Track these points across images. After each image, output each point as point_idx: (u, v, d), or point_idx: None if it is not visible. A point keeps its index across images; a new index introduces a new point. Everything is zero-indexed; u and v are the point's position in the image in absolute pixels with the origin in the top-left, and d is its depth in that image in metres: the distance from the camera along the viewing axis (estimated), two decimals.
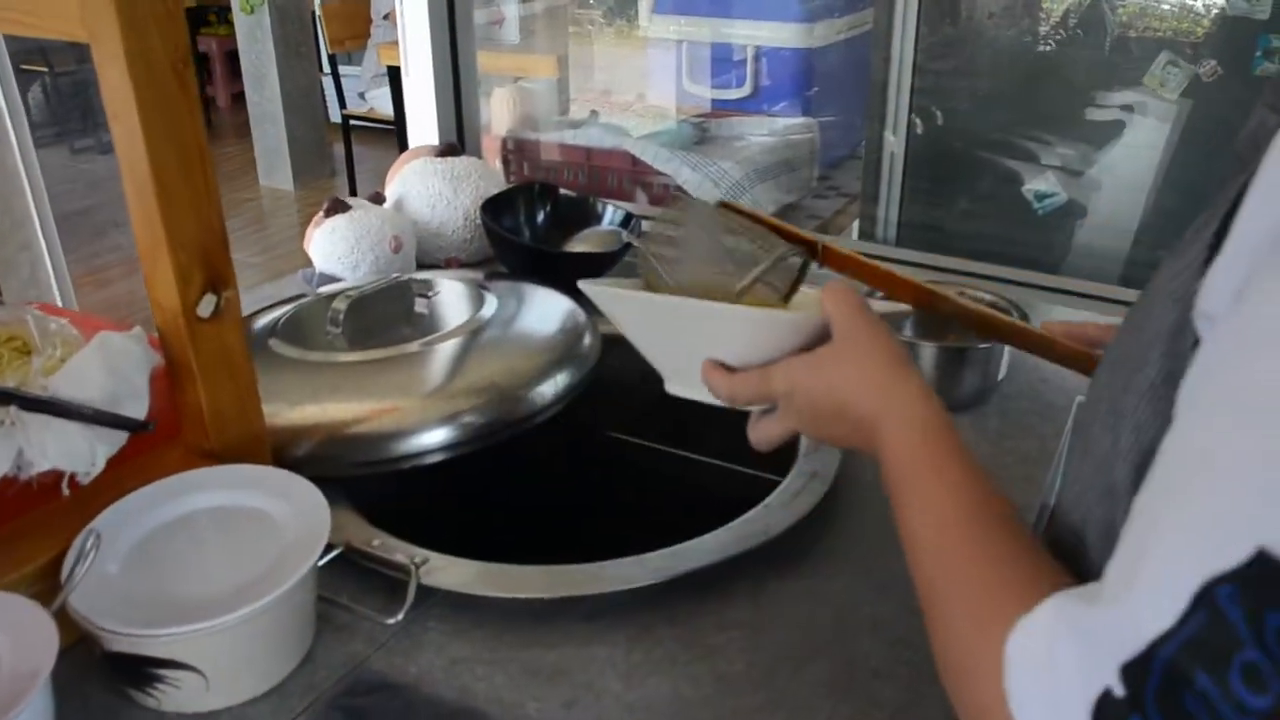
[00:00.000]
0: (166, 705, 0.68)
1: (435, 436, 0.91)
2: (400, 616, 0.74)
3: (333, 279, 1.34)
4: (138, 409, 0.77)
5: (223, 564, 0.72)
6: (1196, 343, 0.41)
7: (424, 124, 1.68)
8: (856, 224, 2.09)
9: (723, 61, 2.46)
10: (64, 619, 0.64)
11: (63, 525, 0.74)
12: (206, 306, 0.79)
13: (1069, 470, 0.56)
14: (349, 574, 0.80)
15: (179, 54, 0.73)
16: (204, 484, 0.79)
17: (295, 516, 0.75)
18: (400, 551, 0.80)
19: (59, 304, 2.41)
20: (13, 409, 0.72)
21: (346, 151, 4.80)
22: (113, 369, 0.76)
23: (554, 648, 0.74)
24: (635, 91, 2.50)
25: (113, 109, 0.73)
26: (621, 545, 0.83)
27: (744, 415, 0.72)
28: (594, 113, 1.73)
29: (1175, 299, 0.43)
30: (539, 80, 1.71)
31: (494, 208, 1.36)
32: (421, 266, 1.43)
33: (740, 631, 0.76)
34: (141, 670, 0.66)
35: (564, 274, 1.33)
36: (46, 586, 0.72)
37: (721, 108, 2.45)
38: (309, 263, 1.38)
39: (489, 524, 1.07)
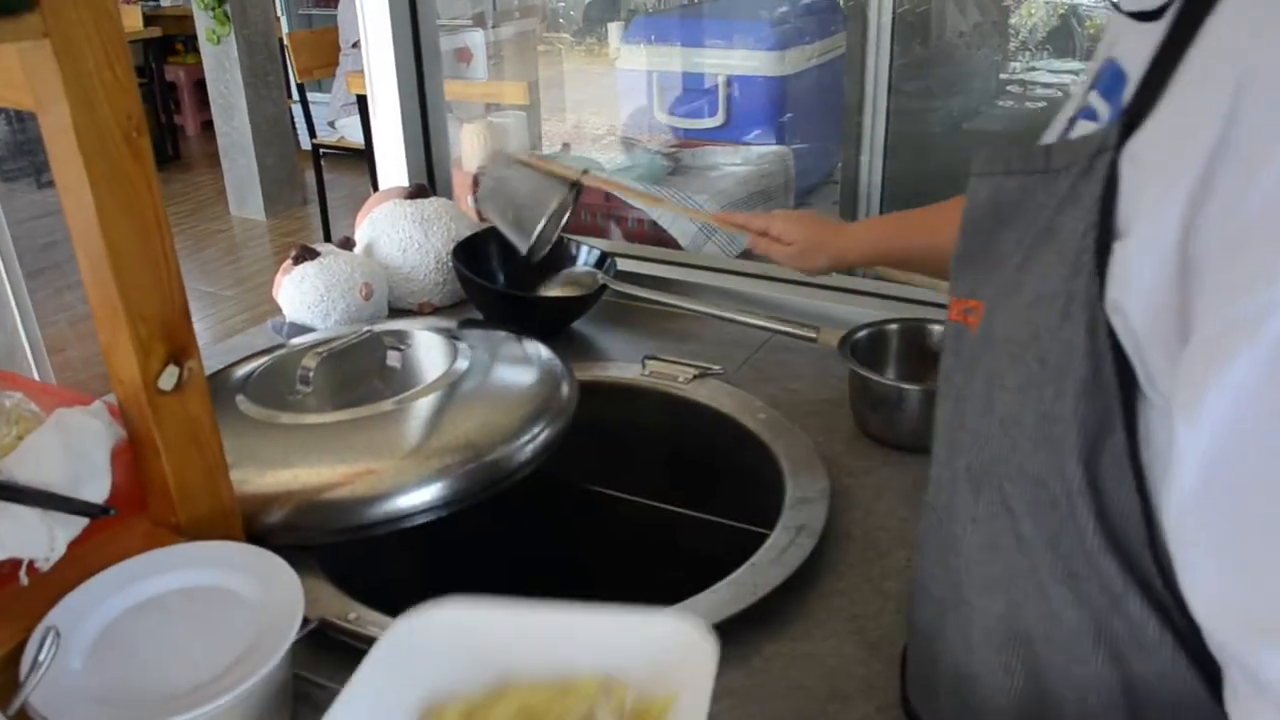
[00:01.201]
0: None
1: (413, 499, 0.88)
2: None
3: (304, 328, 1.31)
4: (99, 490, 0.74)
5: (193, 649, 0.69)
6: (1111, 334, 0.48)
7: (393, 158, 1.66)
8: None
9: (694, 91, 2.44)
10: None
11: (22, 613, 0.71)
12: (169, 379, 0.76)
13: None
14: (325, 647, 0.77)
15: (131, 123, 0.70)
16: (168, 564, 0.75)
17: (267, 593, 0.72)
18: (377, 625, 0.77)
19: (24, 342, 2.37)
20: None
21: (318, 180, 4.75)
22: (71, 448, 0.73)
23: None
24: (607, 124, 2.48)
25: (63, 182, 0.70)
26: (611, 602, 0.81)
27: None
28: (565, 145, 1.71)
29: (1066, 303, 0.49)
30: (509, 113, 1.69)
31: (466, 251, 1.34)
32: (394, 312, 1.41)
33: (732, 700, 0.73)
34: None
35: (539, 319, 1.32)
36: (5, 680, 0.69)
37: (694, 137, 2.43)
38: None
39: (468, 585, 1.04)
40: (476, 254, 1.36)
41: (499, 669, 0.62)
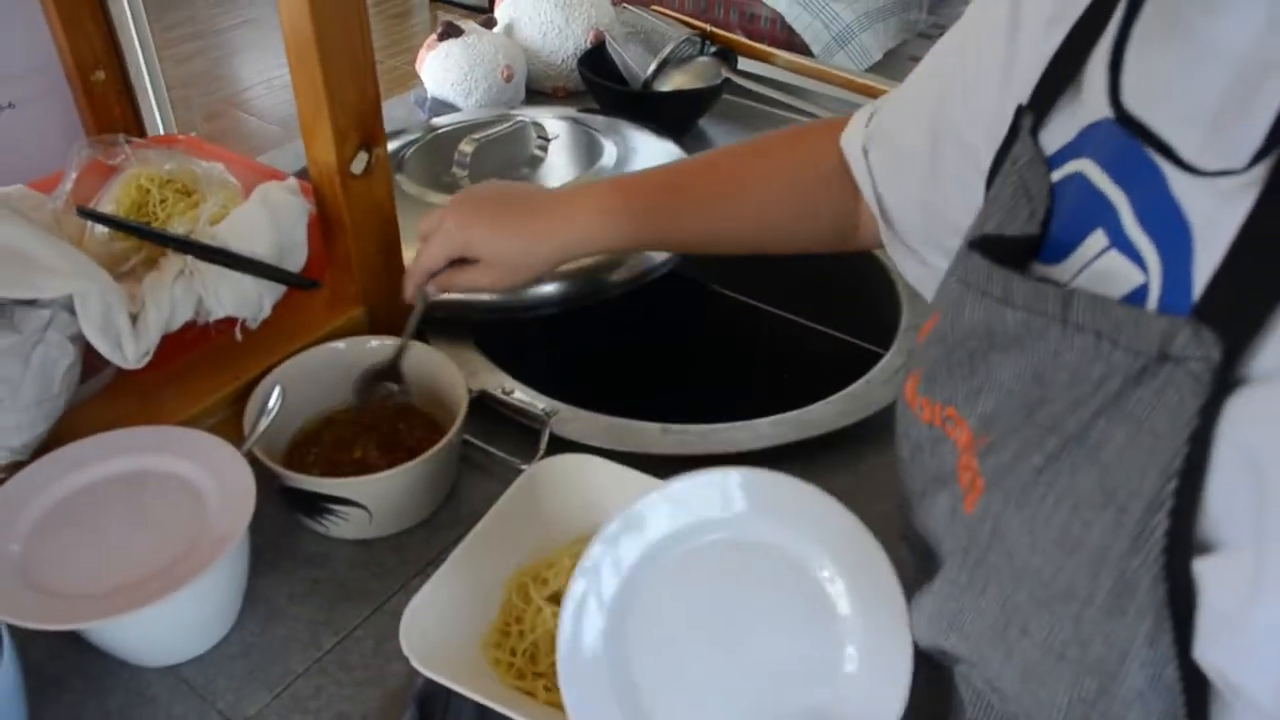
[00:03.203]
0: (334, 533, 0.78)
1: (556, 288, 0.96)
2: (535, 463, 0.82)
3: (446, 104, 1.37)
4: (298, 261, 0.83)
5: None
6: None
7: None
8: None
9: None
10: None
11: (235, 362, 0.83)
12: (359, 164, 0.83)
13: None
14: (486, 418, 0.88)
15: None
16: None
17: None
18: (533, 401, 0.87)
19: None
20: (189, 258, 0.79)
21: None
22: (275, 222, 0.81)
23: None
24: None
25: None
26: (730, 403, 0.90)
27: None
28: None
29: (1119, 584, 0.39)
30: None
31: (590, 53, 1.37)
32: (530, 93, 1.45)
33: (840, 499, 0.83)
34: (315, 504, 0.75)
35: (666, 115, 1.35)
36: (226, 416, 0.81)
37: None
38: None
39: (609, 378, 1.13)
40: (600, 62, 1.38)
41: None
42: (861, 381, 0.91)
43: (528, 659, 0.67)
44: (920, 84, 0.72)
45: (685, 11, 1.56)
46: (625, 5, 1.45)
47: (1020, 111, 0.55)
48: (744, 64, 1.41)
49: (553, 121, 1.20)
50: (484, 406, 0.88)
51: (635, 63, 1.34)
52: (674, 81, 1.35)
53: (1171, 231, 0.43)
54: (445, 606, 0.67)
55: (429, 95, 1.38)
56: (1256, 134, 0.38)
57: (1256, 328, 0.36)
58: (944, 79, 0.67)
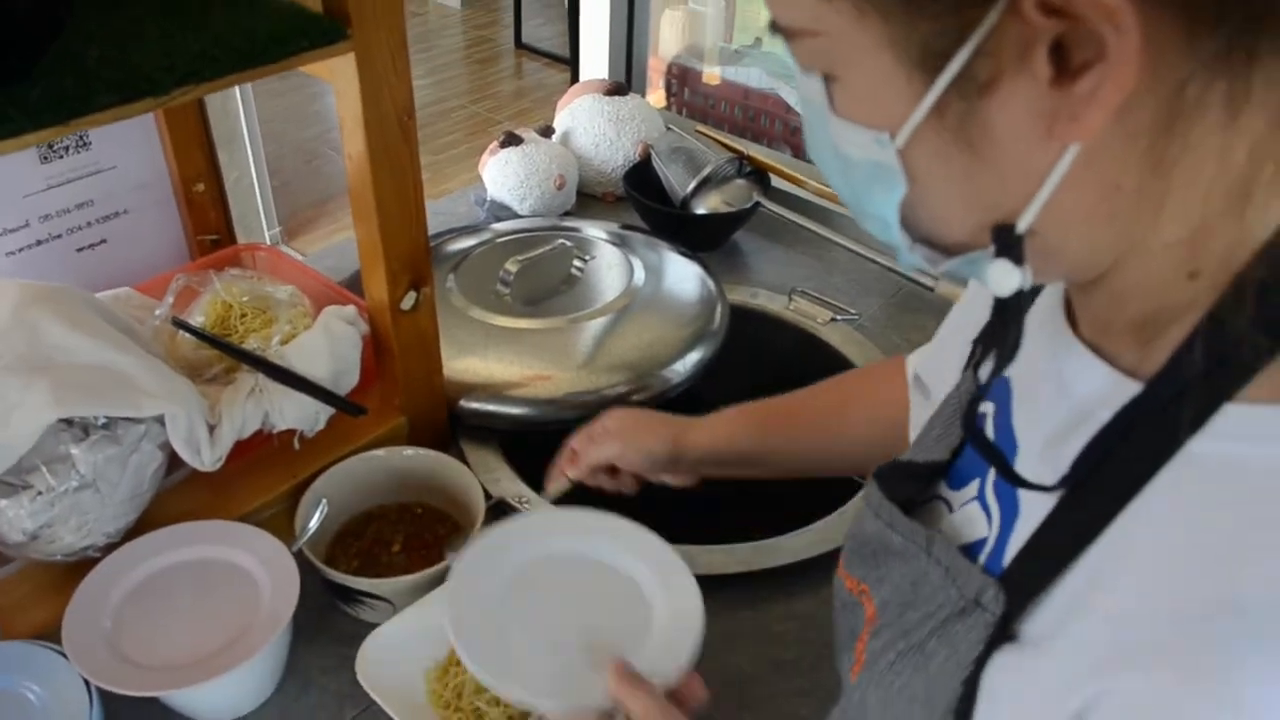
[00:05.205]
0: (363, 617, 0.92)
1: (577, 409, 1.09)
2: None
3: (503, 206, 1.51)
4: (350, 382, 0.98)
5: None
6: None
7: (598, 55, 1.79)
8: None
9: None
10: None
11: (293, 462, 0.97)
12: (408, 302, 0.98)
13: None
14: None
15: (404, 110, 0.89)
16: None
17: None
18: (540, 508, 1.00)
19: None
20: (260, 376, 0.93)
21: None
22: (334, 350, 0.96)
23: None
24: None
25: (348, 150, 0.90)
26: (713, 524, 1.02)
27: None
28: (758, 40, 1.80)
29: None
30: (708, 2, 1.77)
31: (635, 174, 1.50)
32: (581, 196, 1.59)
33: (797, 623, 0.95)
34: (348, 595, 0.90)
35: (701, 233, 1.48)
36: (282, 509, 0.95)
37: None
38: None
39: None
40: (647, 165, 1.52)
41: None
42: (835, 514, 1.02)
43: (454, 694, 0.81)
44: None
45: (732, 120, 1.70)
46: (671, 128, 1.58)
47: (974, 343, 0.64)
48: (777, 182, 1.53)
49: (596, 234, 1.34)
50: (501, 512, 1.01)
51: (676, 181, 1.47)
52: (710, 201, 1.48)
53: (1009, 506, 0.52)
54: (406, 638, 0.83)
55: (488, 196, 1.53)
56: (1065, 464, 0.47)
57: (1028, 601, 0.47)
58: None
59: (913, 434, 0.80)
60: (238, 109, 2.89)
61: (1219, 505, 0.41)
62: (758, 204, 1.45)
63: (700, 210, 1.47)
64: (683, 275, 1.29)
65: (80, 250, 1.13)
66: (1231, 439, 0.41)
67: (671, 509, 1.29)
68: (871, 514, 0.61)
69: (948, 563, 0.53)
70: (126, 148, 1.13)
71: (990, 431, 0.58)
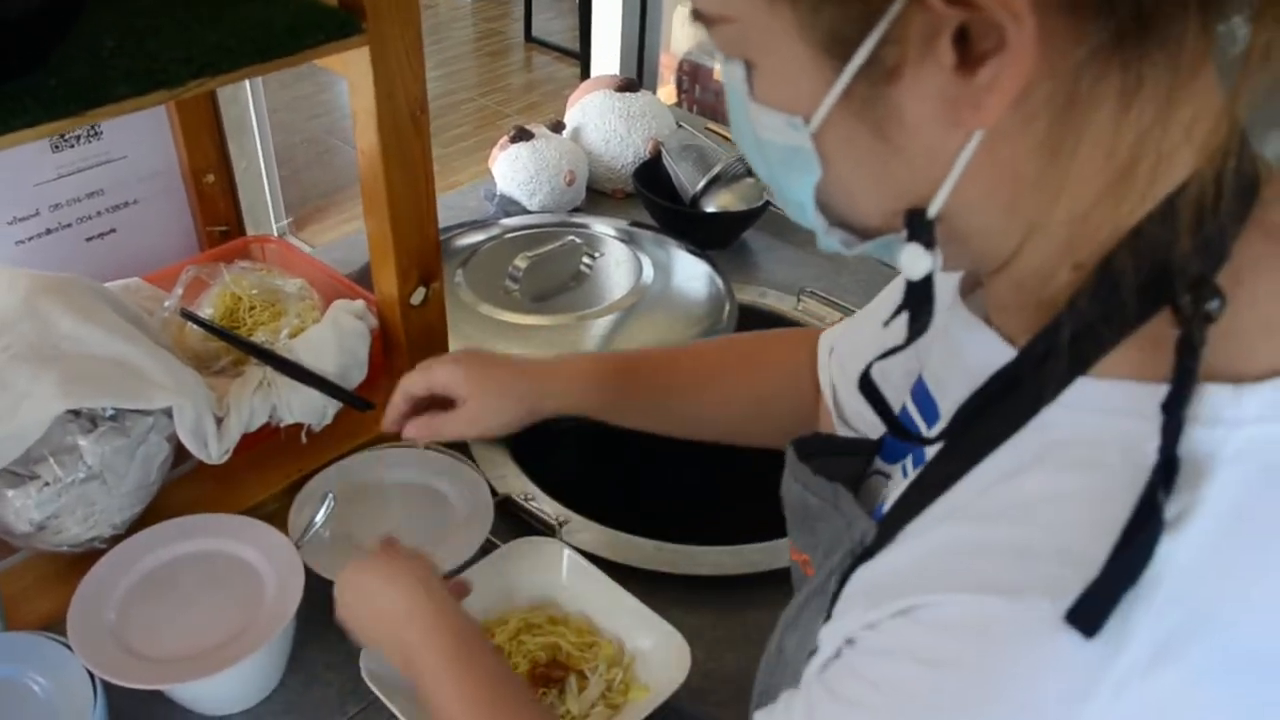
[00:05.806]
0: None
1: None
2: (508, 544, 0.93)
3: (512, 201, 1.51)
4: (358, 377, 0.97)
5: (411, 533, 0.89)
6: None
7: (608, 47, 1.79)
8: None
9: None
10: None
11: (299, 455, 0.97)
12: (418, 297, 0.98)
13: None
14: (508, 518, 1.01)
15: (417, 104, 0.89)
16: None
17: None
18: (549, 509, 1.00)
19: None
20: (268, 369, 0.93)
21: None
22: (342, 346, 0.96)
23: (657, 610, 0.94)
24: None
25: (361, 144, 0.90)
26: (714, 524, 1.01)
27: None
28: None
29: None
30: None
31: (646, 171, 1.50)
32: (590, 192, 1.58)
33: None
34: None
35: (710, 232, 1.47)
36: (288, 502, 0.95)
37: None
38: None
39: (629, 486, 1.24)
40: (657, 161, 1.51)
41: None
42: None
43: None
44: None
45: None
46: (682, 125, 1.58)
47: (884, 325, 0.65)
48: None
49: (605, 231, 1.34)
50: (507, 509, 1.01)
51: (686, 179, 1.47)
52: (720, 199, 1.47)
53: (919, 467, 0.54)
54: None
55: (498, 191, 1.52)
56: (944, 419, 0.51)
57: (890, 536, 0.49)
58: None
59: (832, 410, 0.81)
60: (246, 98, 2.88)
61: (1037, 463, 0.43)
62: (768, 203, 1.44)
63: (710, 208, 1.47)
64: (691, 274, 1.29)
65: (90, 239, 1.13)
66: (1076, 409, 0.43)
67: (671, 509, 1.29)
68: (791, 478, 0.63)
69: (848, 512, 0.57)
70: (137, 137, 1.13)
71: (913, 404, 0.60)
